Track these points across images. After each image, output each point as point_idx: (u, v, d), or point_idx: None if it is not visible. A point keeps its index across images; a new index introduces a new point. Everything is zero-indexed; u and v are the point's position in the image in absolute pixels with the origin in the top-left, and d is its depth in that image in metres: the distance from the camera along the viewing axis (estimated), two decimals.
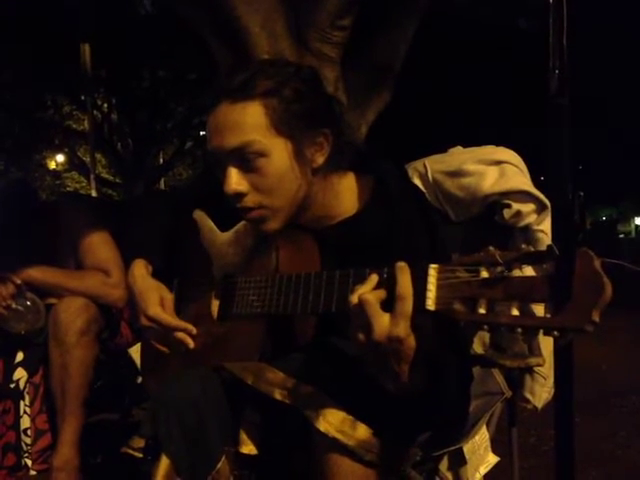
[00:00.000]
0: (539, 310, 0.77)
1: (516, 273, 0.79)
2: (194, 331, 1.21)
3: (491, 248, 0.82)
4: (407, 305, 0.88)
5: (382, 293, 0.90)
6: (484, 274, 0.81)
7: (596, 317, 0.73)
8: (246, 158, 1.11)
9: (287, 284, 1.09)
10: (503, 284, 0.79)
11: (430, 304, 0.86)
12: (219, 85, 1.14)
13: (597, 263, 0.74)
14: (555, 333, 0.76)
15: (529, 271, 0.80)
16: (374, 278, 0.92)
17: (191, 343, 1.21)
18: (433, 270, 0.87)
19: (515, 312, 0.78)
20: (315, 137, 1.13)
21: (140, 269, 1.31)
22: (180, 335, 1.21)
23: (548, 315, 0.76)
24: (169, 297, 1.27)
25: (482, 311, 0.81)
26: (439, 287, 0.86)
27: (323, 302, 1.02)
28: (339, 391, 1.02)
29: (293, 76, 1.13)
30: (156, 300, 1.24)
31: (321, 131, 1.13)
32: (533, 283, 0.78)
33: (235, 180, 1.12)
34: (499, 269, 0.80)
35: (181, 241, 1.40)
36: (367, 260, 0.96)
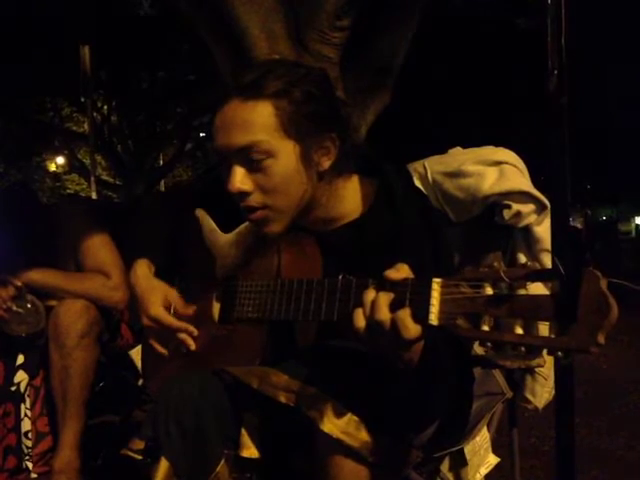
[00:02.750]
0: (543, 329, 0.76)
1: (521, 290, 0.78)
2: (195, 332, 1.21)
3: (496, 264, 0.80)
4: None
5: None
6: (488, 291, 0.80)
7: (601, 339, 0.71)
8: (253, 158, 1.10)
9: (288, 290, 1.08)
10: (507, 302, 0.78)
11: (433, 319, 0.85)
12: (228, 83, 1.14)
13: (603, 284, 0.72)
14: (559, 353, 0.75)
15: (534, 288, 0.79)
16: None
17: (192, 344, 1.21)
18: (436, 284, 0.86)
19: (519, 330, 0.77)
20: (323, 141, 1.13)
21: (143, 269, 1.30)
22: (181, 336, 1.21)
23: (552, 335, 0.75)
24: (173, 295, 1.26)
25: (485, 328, 0.80)
26: (442, 302, 0.85)
27: (325, 311, 1.01)
28: (343, 393, 1.01)
29: (304, 78, 1.13)
30: (158, 300, 1.24)
31: (329, 135, 1.13)
32: (538, 302, 0.76)
33: (239, 179, 1.12)
34: (504, 286, 0.79)
35: (183, 241, 1.40)
36: (370, 264, 0.95)
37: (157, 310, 1.23)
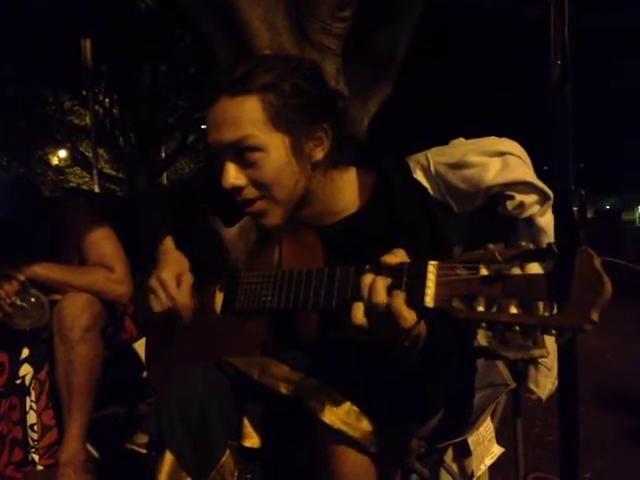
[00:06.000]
0: (539, 308, 0.77)
1: (516, 271, 0.79)
2: (189, 306, 1.24)
3: (491, 246, 0.81)
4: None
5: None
6: (483, 272, 0.81)
7: (595, 316, 0.72)
8: (243, 152, 1.11)
9: (289, 280, 1.09)
10: (502, 282, 0.79)
11: (429, 301, 0.85)
12: (218, 79, 1.14)
13: (597, 262, 0.73)
14: (553, 332, 0.75)
15: (530, 269, 0.79)
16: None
17: (186, 315, 1.24)
18: (432, 267, 0.86)
19: (514, 310, 0.78)
20: (314, 132, 1.13)
21: (170, 242, 1.35)
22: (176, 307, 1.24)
23: (547, 314, 0.76)
24: (187, 277, 1.28)
25: (481, 309, 0.80)
26: (438, 284, 0.85)
27: (323, 299, 1.02)
28: (344, 384, 1.02)
29: (293, 71, 1.13)
30: (174, 270, 1.27)
31: (320, 126, 1.13)
32: (532, 281, 0.77)
33: (232, 174, 1.13)
34: (498, 267, 0.79)
35: (187, 235, 1.40)
36: (370, 257, 0.95)
37: (168, 275, 1.25)
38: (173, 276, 1.26)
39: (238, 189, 1.13)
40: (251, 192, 1.14)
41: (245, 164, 1.12)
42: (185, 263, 1.30)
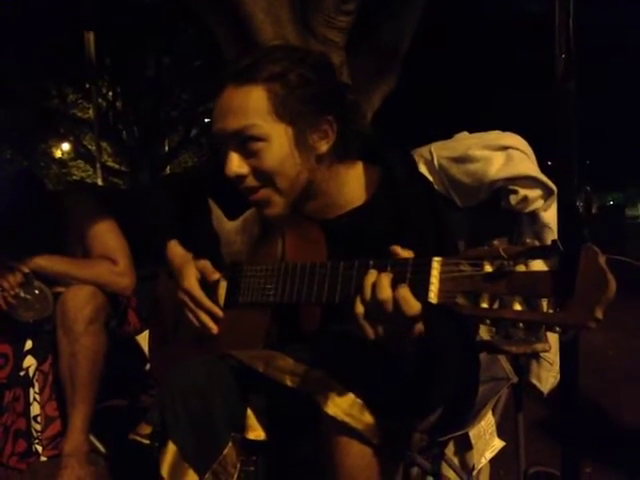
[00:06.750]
0: (543, 305, 0.77)
1: (520, 268, 0.79)
2: (220, 314, 1.21)
3: (495, 242, 0.81)
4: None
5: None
6: (488, 268, 0.81)
7: (599, 314, 0.72)
8: (246, 142, 1.11)
9: (292, 273, 1.09)
10: (506, 279, 0.79)
11: (432, 297, 0.85)
12: (226, 69, 1.15)
13: (602, 259, 0.73)
14: (557, 329, 0.76)
15: (535, 266, 0.80)
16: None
17: (214, 328, 1.21)
18: (436, 263, 0.86)
19: (518, 307, 0.78)
20: (319, 124, 1.13)
21: (176, 247, 1.33)
22: (204, 318, 1.21)
23: (551, 311, 0.76)
24: (204, 263, 1.26)
25: (485, 305, 0.81)
26: (442, 280, 0.85)
27: (327, 293, 1.02)
28: (347, 376, 1.02)
29: (300, 62, 1.13)
30: (192, 273, 1.25)
31: (326, 118, 1.13)
32: (537, 278, 0.77)
33: (236, 163, 1.13)
34: (503, 263, 0.80)
35: (190, 227, 1.41)
36: (374, 251, 0.95)
37: (190, 282, 1.24)
38: (196, 281, 1.25)
39: (241, 178, 1.14)
40: (253, 181, 1.14)
41: (248, 153, 1.12)
42: (199, 259, 1.29)
